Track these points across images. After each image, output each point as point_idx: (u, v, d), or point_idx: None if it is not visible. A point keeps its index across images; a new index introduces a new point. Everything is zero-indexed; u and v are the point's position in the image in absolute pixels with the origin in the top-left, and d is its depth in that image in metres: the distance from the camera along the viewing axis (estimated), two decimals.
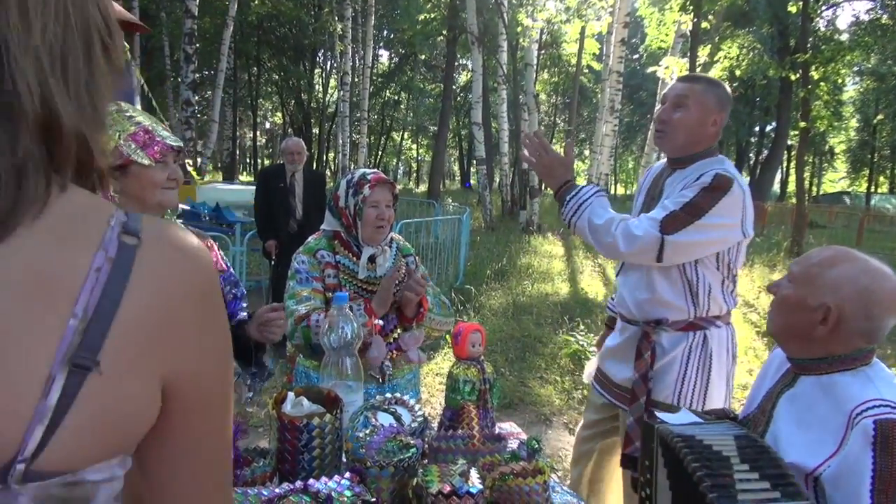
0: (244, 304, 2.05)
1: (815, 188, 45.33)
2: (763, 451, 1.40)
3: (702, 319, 2.20)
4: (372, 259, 2.24)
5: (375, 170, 2.32)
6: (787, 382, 1.60)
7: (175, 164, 1.81)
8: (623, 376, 2.32)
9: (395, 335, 2.24)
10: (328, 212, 2.30)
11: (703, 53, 12.60)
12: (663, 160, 2.40)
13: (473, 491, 1.28)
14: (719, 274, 2.18)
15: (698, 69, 12.03)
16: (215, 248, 2.05)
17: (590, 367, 2.72)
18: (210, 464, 0.69)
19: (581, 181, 2.53)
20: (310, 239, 2.30)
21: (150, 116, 1.85)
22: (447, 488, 1.27)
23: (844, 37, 19.18)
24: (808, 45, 13.48)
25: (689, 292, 2.18)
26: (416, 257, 2.45)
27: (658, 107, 2.26)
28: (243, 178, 31.28)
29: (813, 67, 12.30)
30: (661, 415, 1.63)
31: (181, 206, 2.10)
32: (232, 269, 2.09)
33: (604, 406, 2.46)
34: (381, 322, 2.12)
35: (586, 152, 32.19)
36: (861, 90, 37.39)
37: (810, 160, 39.15)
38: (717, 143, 2.24)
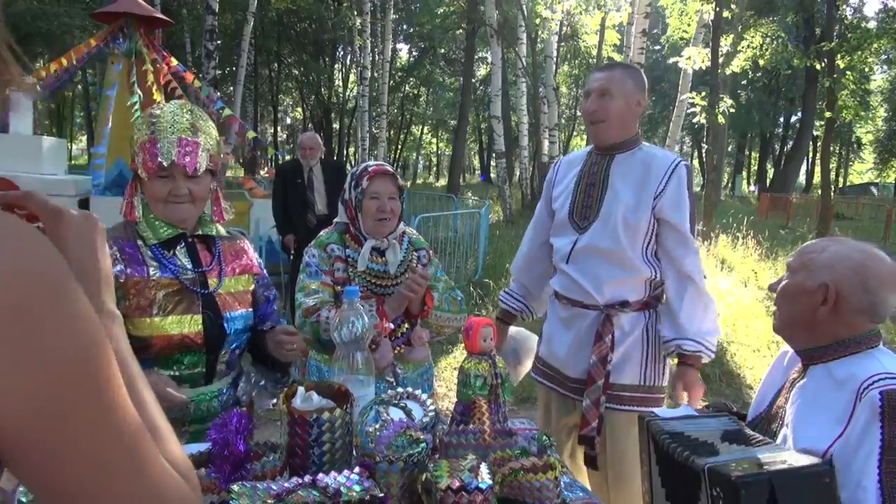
0: (275, 308, 2.01)
1: (841, 179, 44.52)
2: (747, 437, 1.48)
3: (652, 298, 2.30)
4: (382, 253, 2.23)
5: (381, 162, 2.30)
6: (798, 377, 1.59)
7: (189, 180, 1.71)
8: (582, 367, 2.28)
9: (404, 329, 2.22)
10: (340, 204, 2.30)
11: (725, 43, 12.39)
12: (578, 152, 2.50)
13: (483, 486, 1.26)
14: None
15: (721, 59, 11.85)
16: (250, 249, 2.00)
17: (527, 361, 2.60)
18: (102, 467, 0.52)
19: None
20: (322, 232, 2.29)
21: (189, 109, 1.75)
22: (456, 483, 1.26)
23: (872, 24, 18.75)
24: (835, 34, 13.19)
25: (651, 273, 2.26)
26: (430, 251, 2.42)
27: (582, 101, 2.33)
28: (263, 172, 31.47)
29: (839, 56, 12.05)
30: (657, 410, 1.67)
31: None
32: (266, 272, 2.04)
33: (562, 402, 2.41)
34: (391, 325, 2.11)
35: None
36: (889, 79, 36.60)
37: (836, 151, 38.41)
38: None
